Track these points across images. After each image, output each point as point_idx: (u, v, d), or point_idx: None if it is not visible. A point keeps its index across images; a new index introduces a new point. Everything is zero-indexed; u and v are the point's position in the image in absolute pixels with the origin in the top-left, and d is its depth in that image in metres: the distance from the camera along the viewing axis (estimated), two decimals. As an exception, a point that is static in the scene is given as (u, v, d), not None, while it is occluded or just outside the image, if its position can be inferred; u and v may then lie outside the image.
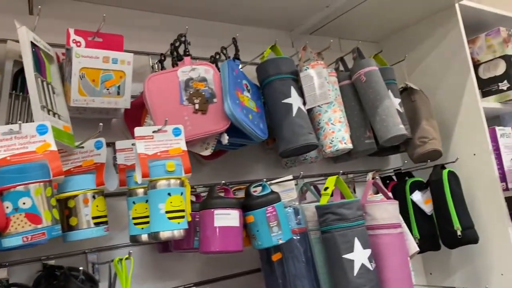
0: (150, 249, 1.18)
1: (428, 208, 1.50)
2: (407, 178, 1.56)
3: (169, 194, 0.90)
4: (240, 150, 1.38)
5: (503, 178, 1.52)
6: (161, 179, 0.90)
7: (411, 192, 1.51)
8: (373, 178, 1.34)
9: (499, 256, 1.50)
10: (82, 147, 1.00)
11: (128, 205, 0.99)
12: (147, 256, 1.17)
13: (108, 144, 1.11)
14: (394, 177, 1.64)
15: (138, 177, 0.92)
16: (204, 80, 1.11)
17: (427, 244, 1.48)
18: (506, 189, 1.51)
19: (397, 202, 1.24)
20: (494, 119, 1.83)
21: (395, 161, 1.77)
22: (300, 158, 1.35)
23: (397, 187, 1.56)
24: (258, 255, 1.20)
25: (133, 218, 0.98)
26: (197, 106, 1.08)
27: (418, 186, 1.52)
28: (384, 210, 1.20)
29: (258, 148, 1.43)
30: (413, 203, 1.50)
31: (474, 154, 1.56)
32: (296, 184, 1.29)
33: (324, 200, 1.16)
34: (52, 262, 1.00)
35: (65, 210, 0.93)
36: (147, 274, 1.16)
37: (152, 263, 1.17)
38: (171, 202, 0.90)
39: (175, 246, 1.06)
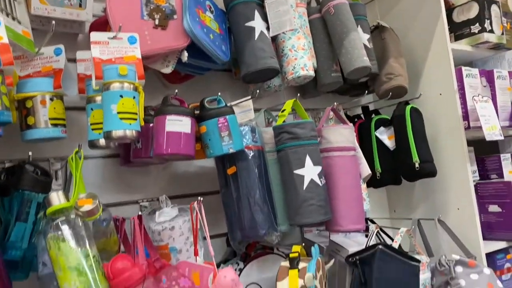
0: (114, 163, 1.23)
1: (391, 143, 1.55)
2: (373, 115, 1.61)
3: (121, 96, 0.94)
4: (207, 79, 1.41)
5: (465, 116, 1.55)
6: (114, 82, 0.94)
7: (376, 129, 1.56)
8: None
9: (457, 192, 1.55)
10: (42, 53, 1.03)
11: (87, 112, 1.04)
12: (110, 169, 1.22)
13: (74, 60, 1.15)
14: (362, 116, 1.69)
15: (92, 80, 0.96)
16: (165, -4, 1.13)
17: (388, 177, 1.54)
18: (468, 127, 1.55)
19: (352, 126, 1.28)
20: (467, 65, 1.85)
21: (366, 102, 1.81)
22: (264, 86, 1.39)
23: (363, 124, 1.60)
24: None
25: (91, 124, 1.03)
26: (157, 22, 1.11)
27: (383, 123, 1.56)
28: (339, 134, 1.24)
29: (226, 77, 1.47)
30: (377, 139, 1.55)
31: (440, 94, 1.59)
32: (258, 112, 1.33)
33: (280, 121, 1.20)
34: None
35: (23, 110, 0.97)
36: (110, 186, 1.22)
37: (115, 175, 1.23)
38: (123, 104, 0.94)
39: (133, 155, 1.11)
